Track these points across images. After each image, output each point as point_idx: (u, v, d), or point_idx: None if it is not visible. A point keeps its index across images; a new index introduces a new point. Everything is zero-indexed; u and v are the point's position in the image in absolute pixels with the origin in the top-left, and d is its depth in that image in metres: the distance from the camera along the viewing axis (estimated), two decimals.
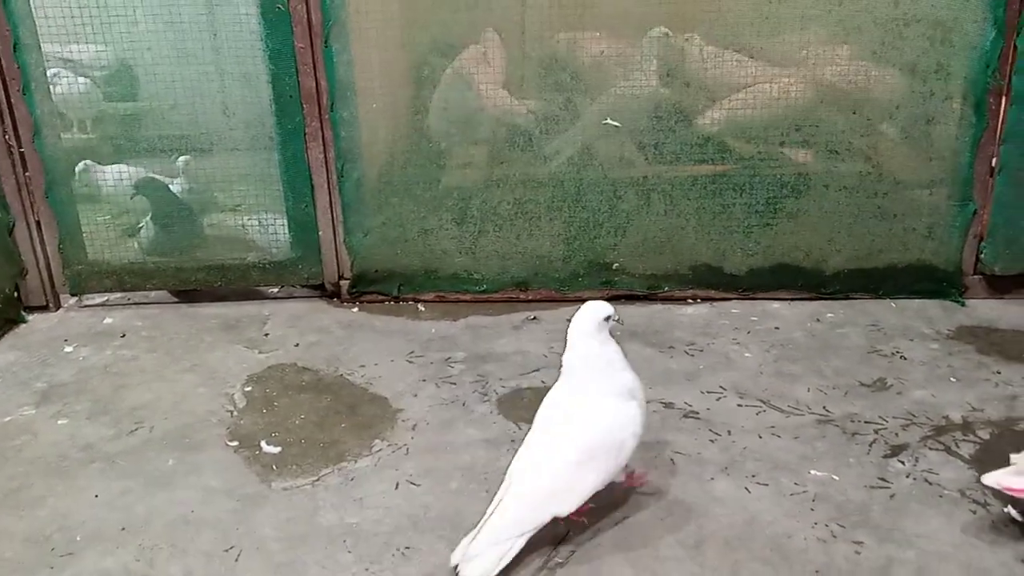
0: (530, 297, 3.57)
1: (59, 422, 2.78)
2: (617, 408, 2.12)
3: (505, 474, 2.11)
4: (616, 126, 3.40)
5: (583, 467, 2.06)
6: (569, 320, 3.36)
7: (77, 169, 3.63)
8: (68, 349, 3.27)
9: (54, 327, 3.47)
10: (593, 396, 2.12)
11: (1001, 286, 3.43)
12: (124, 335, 3.36)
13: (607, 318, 2.14)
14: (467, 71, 3.40)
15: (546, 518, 2.05)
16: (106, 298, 3.68)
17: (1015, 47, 3.09)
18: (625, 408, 2.12)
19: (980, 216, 3.34)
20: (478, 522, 2.04)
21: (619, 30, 3.39)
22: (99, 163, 3.72)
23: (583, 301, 3.44)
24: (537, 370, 3.01)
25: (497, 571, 2.01)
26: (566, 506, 2.06)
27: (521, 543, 2.03)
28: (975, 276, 3.43)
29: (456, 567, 2.02)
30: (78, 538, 2.24)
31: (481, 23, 3.37)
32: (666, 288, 3.51)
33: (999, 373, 2.90)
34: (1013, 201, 3.28)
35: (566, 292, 3.55)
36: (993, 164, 3.27)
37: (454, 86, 3.42)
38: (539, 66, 3.42)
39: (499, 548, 2.01)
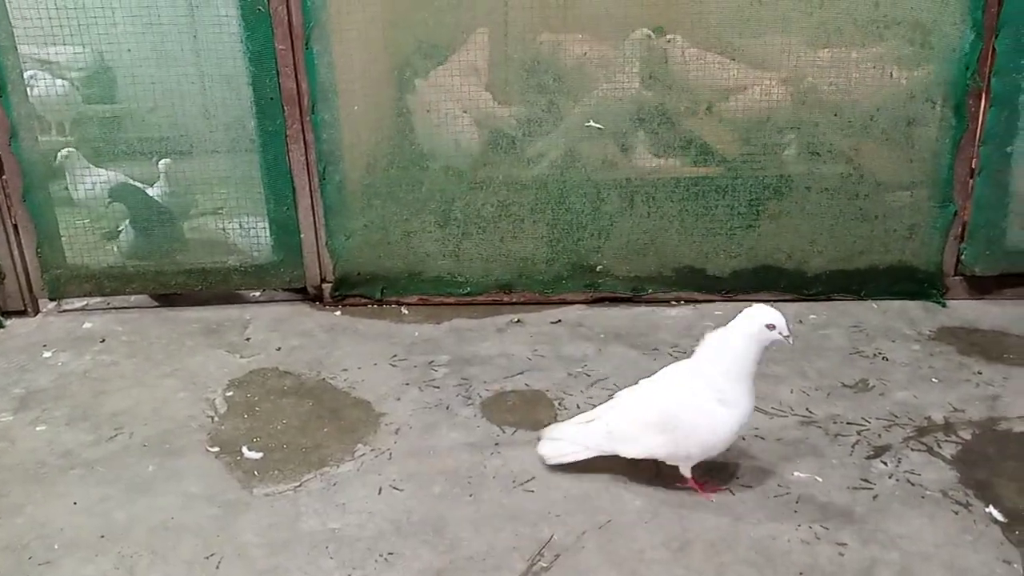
0: (514, 300, 3.56)
1: (37, 428, 2.75)
2: (706, 408, 2.23)
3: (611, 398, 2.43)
4: (599, 128, 3.40)
5: (653, 430, 2.28)
6: (554, 323, 3.38)
7: (60, 155, 3.59)
8: (47, 354, 3.23)
9: (32, 332, 3.43)
10: (697, 385, 2.25)
11: (982, 287, 3.46)
12: (103, 340, 3.33)
13: (770, 326, 2.18)
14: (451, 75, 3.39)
15: (609, 450, 2.34)
16: (85, 303, 3.64)
17: (994, 49, 3.12)
18: (713, 411, 2.23)
19: (960, 217, 3.36)
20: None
21: (601, 32, 3.39)
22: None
23: (567, 303, 3.52)
24: (521, 373, 3.00)
25: (555, 462, 2.42)
26: (627, 451, 2.32)
27: (583, 455, 2.37)
28: (956, 277, 3.45)
29: (541, 434, 2.48)
30: (56, 546, 2.21)
31: (464, 25, 3.36)
32: (650, 290, 3.52)
33: (980, 373, 2.92)
34: (993, 202, 3.31)
35: (550, 294, 3.54)
36: (973, 165, 3.29)
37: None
38: (522, 68, 3.42)
39: (568, 446, 2.39)
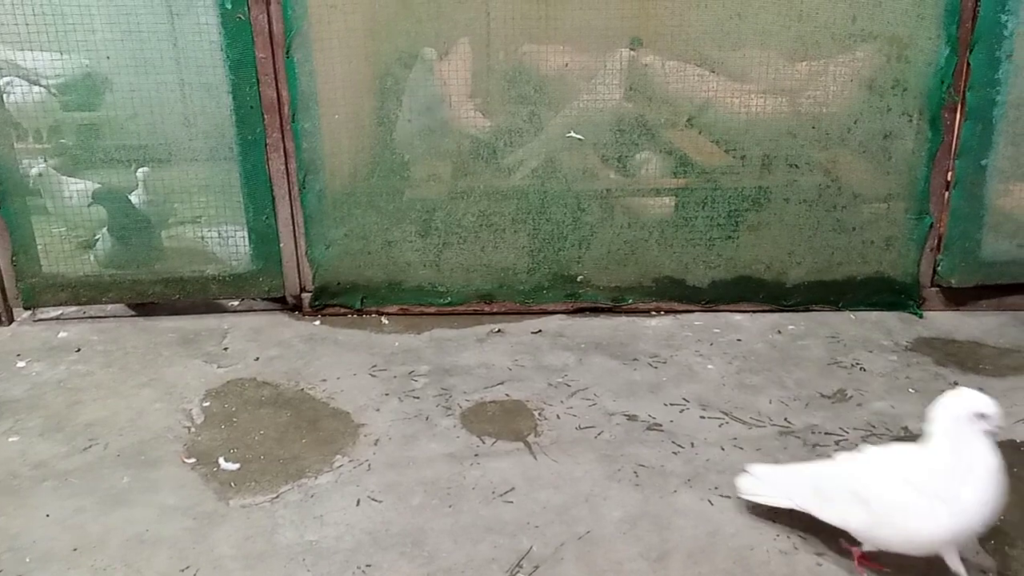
0: (495, 310, 3.56)
1: (10, 439, 2.71)
2: (910, 496, 1.97)
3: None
4: (579, 139, 3.41)
5: (852, 498, 2.05)
6: (535, 333, 3.38)
7: (32, 173, 3.55)
8: (21, 364, 3.19)
9: (7, 341, 3.38)
10: (913, 468, 2.01)
11: (957, 298, 3.50)
12: (79, 349, 3.29)
13: (978, 414, 1.94)
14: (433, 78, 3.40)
15: (805, 506, 2.15)
16: (61, 312, 3.60)
17: (968, 64, 3.16)
18: (916, 502, 1.96)
19: (936, 229, 3.40)
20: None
21: (582, 43, 3.41)
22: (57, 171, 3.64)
23: (548, 313, 3.52)
24: (502, 383, 2.99)
25: (749, 499, 2.28)
26: (823, 512, 2.12)
27: (779, 503, 2.21)
28: (932, 288, 3.49)
29: (746, 468, 2.33)
30: (28, 559, 2.18)
31: (445, 35, 3.37)
32: (630, 300, 3.53)
33: (956, 384, 2.95)
34: (968, 214, 3.35)
35: (531, 304, 3.54)
36: (949, 178, 3.33)
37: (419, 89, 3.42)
38: (503, 79, 3.43)
39: (766, 488, 2.25)
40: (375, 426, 2.75)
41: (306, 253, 3.48)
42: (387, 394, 2.94)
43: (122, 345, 3.32)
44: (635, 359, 3.15)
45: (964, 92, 3.20)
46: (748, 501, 2.30)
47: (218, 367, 3.14)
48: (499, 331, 3.41)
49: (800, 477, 2.21)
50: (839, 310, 3.51)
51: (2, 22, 3.16)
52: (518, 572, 2.11)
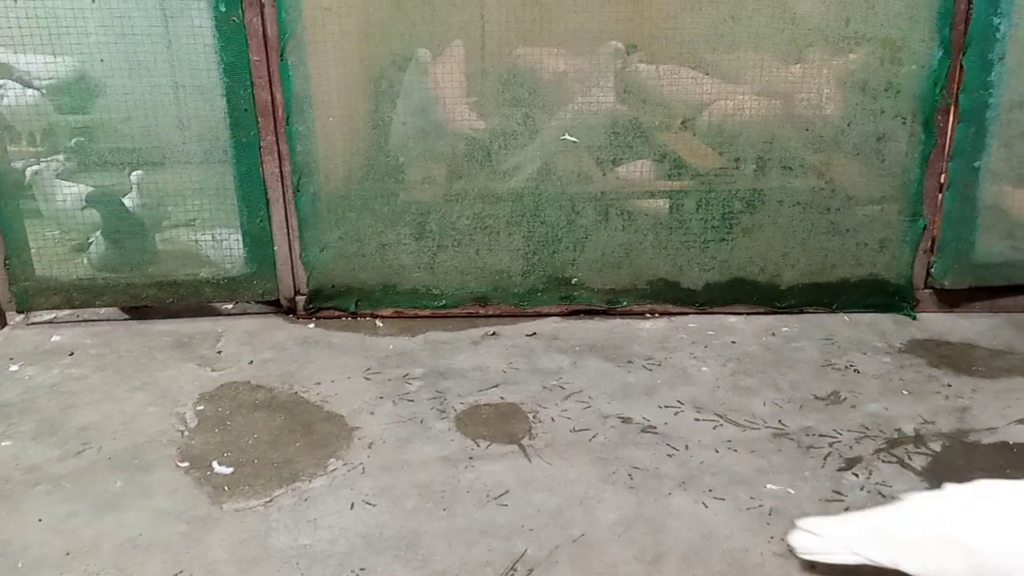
0: (489, 312, 3.55)
1: (3, 443, 2.70)
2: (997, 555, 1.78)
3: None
4: (574, 142, 3.42)
5: (952, 548, 1.84)
6: (529, 335, 3.37)
7: (29, 171, 3.54)
8: (13, 368, 3.18)
9: None
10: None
11: (951, 300, 3.50)
12: (72, 353, 3.28)
13: None
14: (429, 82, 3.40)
15: (884, 560, 1.90)
16: (54, 315, 3.59)
17: (961, 66, 3.17)
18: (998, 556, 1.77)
19: (930, 231, 3.41)
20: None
21: (577, 46, 3.41)
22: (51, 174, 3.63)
23: (542, 316, 3.52)
24: (496, 386, 2.99)
25: (810, 559, 2.05)
26: (911, 565, 1.87)
27: (849, 559, 1.96)
28: (926, 290, 3.50)
29: (798, 523, 2.09)
30: (20, 564, 2.17)
31: (440, 38, 3.37)
32: (624, 303, 3.53)
33: (950, 386, 2.96)
34: (961, 216, 3.36)
35: (525, 307, 3.54)
36: (942, 180, 3.34)
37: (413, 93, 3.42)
38: (498, 81, 3.43)
39: (829, 544, 2.00)
40: (369, 429, 2.74)
41: (300, 256, 3.47)
42: (381, 397, 2.93)
43: (115, 349, 3.31)
44: (629, 361, 3.15)
45: (957, 94, 3.21)
46: (810, 561, 2.08)
47: (212, 370, 3.13)
48: (493, 334, 3.40)
49: (869, 527, 1.98)
50: (833, 312, 3.52)
51: None
52: (512, 574, 2.11)
